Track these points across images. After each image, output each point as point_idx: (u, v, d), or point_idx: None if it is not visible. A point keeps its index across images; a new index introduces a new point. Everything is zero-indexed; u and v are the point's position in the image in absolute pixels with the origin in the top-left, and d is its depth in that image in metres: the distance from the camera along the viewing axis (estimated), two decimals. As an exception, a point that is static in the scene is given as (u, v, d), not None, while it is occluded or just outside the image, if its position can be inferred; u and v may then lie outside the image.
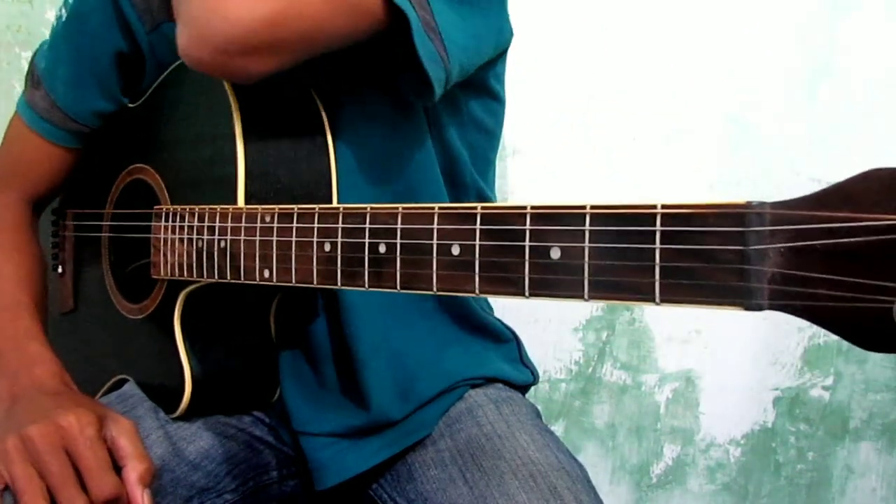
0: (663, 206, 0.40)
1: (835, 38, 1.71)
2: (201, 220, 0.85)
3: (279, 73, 0.78)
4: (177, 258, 0.89)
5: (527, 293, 0.46)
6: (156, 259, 0.93)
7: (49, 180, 1.09)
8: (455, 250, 0.50)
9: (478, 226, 0.49)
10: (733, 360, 1.82)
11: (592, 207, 0.43)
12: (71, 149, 1.06)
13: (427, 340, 1.01)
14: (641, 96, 1.72)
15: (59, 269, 1.19)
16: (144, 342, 0.99)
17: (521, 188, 1.74)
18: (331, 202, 0.88)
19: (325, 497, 0.99)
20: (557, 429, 1.85)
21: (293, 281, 0.70)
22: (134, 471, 0.76)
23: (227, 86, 0.86)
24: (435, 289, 0.52)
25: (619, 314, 1.80)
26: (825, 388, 1.82)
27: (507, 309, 1.64)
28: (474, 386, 1.01)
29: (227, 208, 0.81)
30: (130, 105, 1.03)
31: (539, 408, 1.04)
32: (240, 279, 0.78)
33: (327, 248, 0.64)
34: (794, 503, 1.88)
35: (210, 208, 0.83)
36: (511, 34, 0.96)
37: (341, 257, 0.62)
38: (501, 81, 1.03)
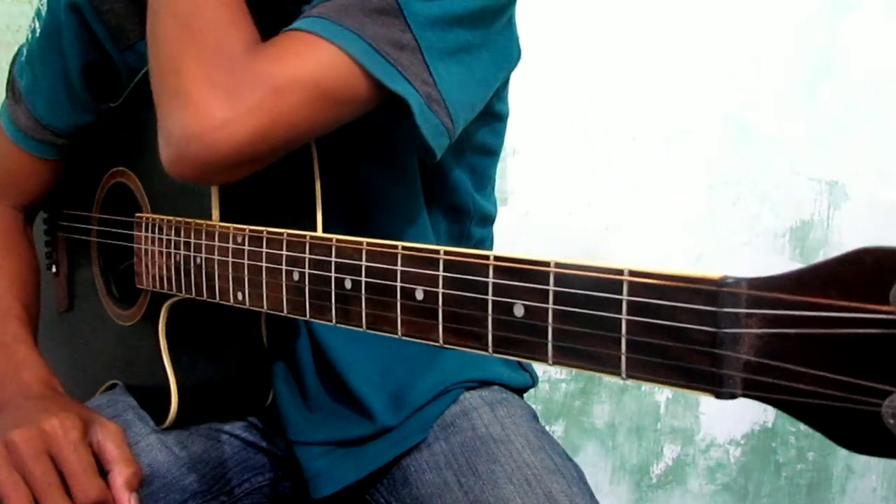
0: (631, 273, 0.35)
1: (834, 37, 1.70)
2: (178, 233, 0.82)
3: None
4: (157, 270, 0.86)
5: (490, 349, 0.43)
6: (139, 269, 0.90)
7: (39, 190, 1.08)
8: (419, 295, 0.47)
9: (441, 272, 0.45)
10: (734, 360, 1.80)
11: (557, 265, 0.39)
12: (59, 160, 1.05)
13: (417, 349, 0.98)
14: (641, 96, 1.71)
15: (54, 269, 1.17)
16: (133, 350, 0.97)
17: (521, 188, 1.73)
18: (314, 220, 0.84)
19: (321, 501, 0.97)
20: (557, 429, 1.84)
21: (265, 307, 0.67)
22: (120, 475, 0.76)
23: None
24: (400, 333, 0.49)
25: (619, 313, 1.78)
26: (826, 389, 1.80)
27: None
28: (469, 388, 0.99)
29: (202, 224, 0.78)
30: (112, 105, 1.00)
31: (539, 408, 1.01)
32: (215, 299, 0.75)
33: (296, 277, 0.61)
34: (794, 503, 1.88)
35: (185, 222, 0.80)
36: (519, 56, 0.90)
37: (309, 289, 0.59)
38: (505, 99, 0.99)
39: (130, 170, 0.95)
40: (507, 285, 0.41)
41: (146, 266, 0.88)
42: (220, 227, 0.74)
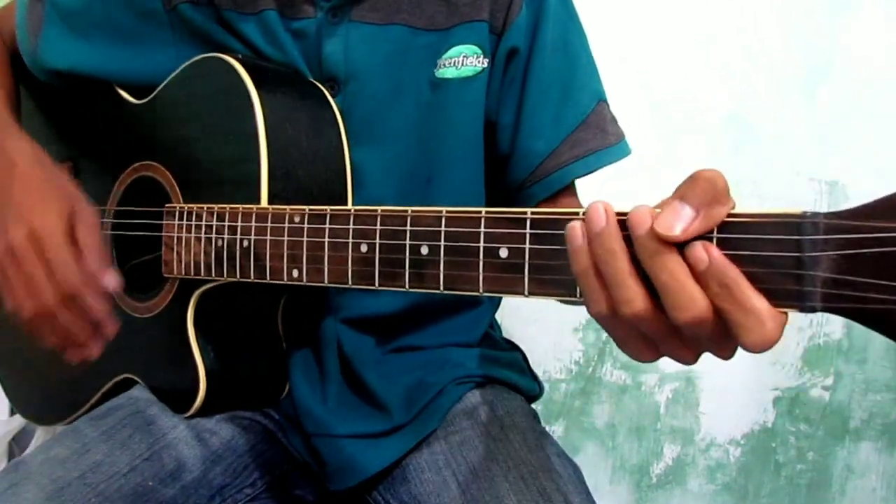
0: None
1: (835, 38, 1.74)
2: (221, 219, 0.87)
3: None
4: (192, 257, 0.91)
5: (578, 296, 0.50)
6: (168, 257, 0.95)
7: None
8: (503, 253, 0.54)
9: (528, 230, 0.53)
10: (733, 360, 1.84)
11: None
12: None
13: (434, 354, 1.06)
14: (641, 96, 1.74)
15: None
16: (152, 341, 1.01)
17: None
18: (346, 202, 0.92)
19: (327, 498, 1.03)
20: (557, 429, 1.89)
21: (325, 281, 0.73)
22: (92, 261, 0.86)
23: (249, 84, 0.89)
24: (481, 290, 0.56)
25: (618, 314, 1.84)
26: (825, 388, 1.85)
27: (507, 308, 1.67)
28: (478, 384, 1.05)
29: (251, 208, 0.84)
30: (135, 102, 1.05)
31: (539, 408, 1.07)
32: (265, 279, 0.81)
33: (364, 249, 0.67)
34: (794, 503, 1.91)
35: (231, 207, 0.86)
36: None
37: (379, 258, 0.66)
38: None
39: (159, 163, 1.00)
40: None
41: (177, 254, 0.93)
42: (274, 209, 0.80)
